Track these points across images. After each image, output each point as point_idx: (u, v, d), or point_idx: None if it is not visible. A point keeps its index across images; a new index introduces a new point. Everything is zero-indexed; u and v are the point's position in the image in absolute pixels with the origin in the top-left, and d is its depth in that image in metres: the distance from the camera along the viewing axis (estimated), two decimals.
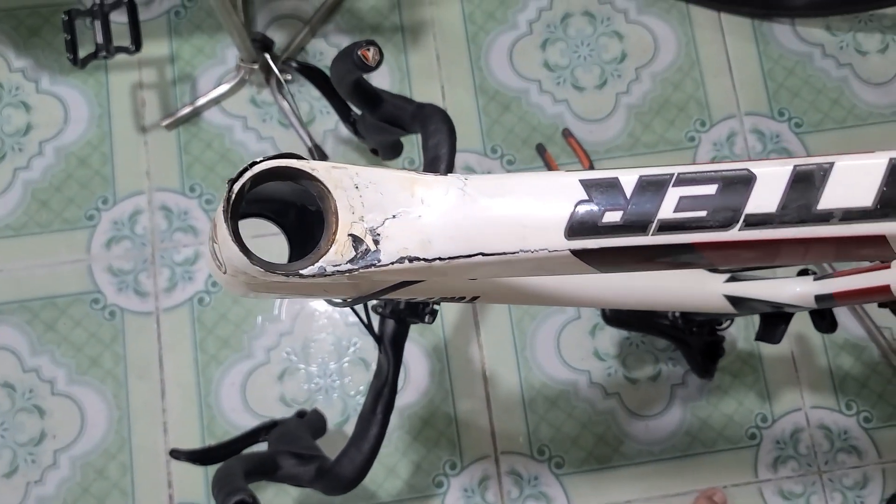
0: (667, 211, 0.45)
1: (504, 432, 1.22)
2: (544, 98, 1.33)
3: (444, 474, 1.20)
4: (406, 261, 0.47)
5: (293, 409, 1.21)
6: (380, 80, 1.32)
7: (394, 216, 0.48)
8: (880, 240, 0.44)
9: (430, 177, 0.49)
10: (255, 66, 1.26)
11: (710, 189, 0.45)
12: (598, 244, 0.46)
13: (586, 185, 0.47)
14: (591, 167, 1.29)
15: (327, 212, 0.48)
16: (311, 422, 1.07)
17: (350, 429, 1.20)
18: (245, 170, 0.46)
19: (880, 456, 1.22)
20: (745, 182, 0.44)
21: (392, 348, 0.90)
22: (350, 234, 0.47)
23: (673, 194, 0.45)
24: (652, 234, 0.45)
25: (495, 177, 0.49)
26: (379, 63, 0.86)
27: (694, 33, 1.36)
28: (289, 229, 0.57)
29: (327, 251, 0.47)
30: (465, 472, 1.21)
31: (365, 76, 0.97)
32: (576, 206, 0.46)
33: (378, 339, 0.90)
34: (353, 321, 1.24)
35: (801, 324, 1.22)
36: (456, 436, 1.21)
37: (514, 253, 0.47)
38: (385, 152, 1.11)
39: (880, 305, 0.89)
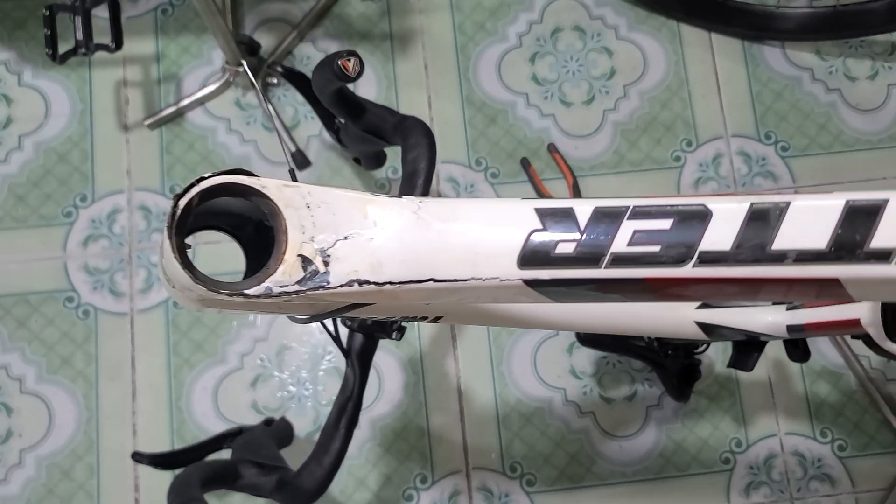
0: (620, 244, 0.44)
1: (477, 447, 1.21)
2: (531, 112, 1.32)
3: (414, 488, 1.19)
4: (356, 284, 0.46)
5: (265, 417, 1.20)
6: (366, 87, 1.31)
7: (345, 237, 0.47)
8: (834, 283, 0.43)
9: (385, 198, 0.48)
10: (241, 69, 1.25)
11: (665, 224, 0.44)
12: (550, 275, 0.45)
13: (541, 213, 0.46)
14: (576, 184, 1.28)
15: (278, 231, 0.47)
16: (278, 430, 1.07)
17: None
18: (192, 185, 0.45)
19: (854, 485, 1.22)
20: (701, 218, 0.44)
21: (359, 362, 0.89)
22: (299, 255, 0.46)
23: (627, 227, 0.44)
24: (604, 268, 0.44)
25: (450, 201, 0.48)
26: (359, 74, 0.85)
27: (684, 52, 1.35)
28: (246, 243, 0.56)
29: (275, 271, 0.46)
30: (436, 486, 1.19)
31: (348, 85, 0.96)
32: (529, 234, 0.45)
33: (346, 352, 0.89)
34: None
35: (779, 349, 1.21)
36: (428, 449, 1.20)
37: (465, 280, 0.47)
38: (368, 162, 1.10)
39: (853, 337, 0.89)
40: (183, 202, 0.45)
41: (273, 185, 0.46)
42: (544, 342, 1.24)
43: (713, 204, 0.44)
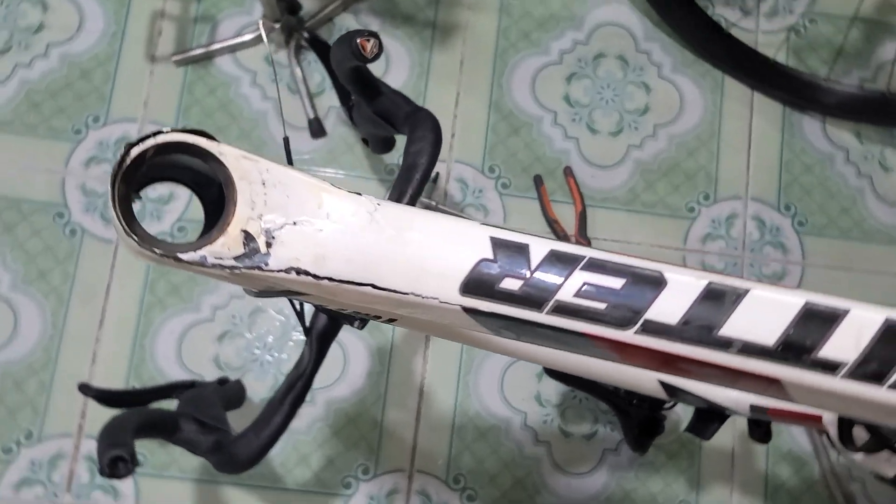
0: (567, 293, 0.42)
1: (425, 451, 1.19)
2: (556, 131, 1.30)
3: (354, 476, 1.18)
4: (294, 272, 0.45)
5: (225, 373, 1.20)
6: (398, 70, 1.30)
7: (294, 223, 0.46)
8: (775, 382, 0.41)
9: (343, 192, 0.46)
10: (277, 27, 1.24)
11: (617, 283, 0.42)
12: (490, 308, 0.44)
13: (496, 243, 0.44)
14: (583, 212, 1.26)
15: (228, 201, 0.45)
16: (230, 392, 1.05)
17: None
18: (148, 136, 0.44)
19: None
20: (655, 285, 0.42)
21: (318, 343, 0.88)
22: (243, 230, 0.45)
23: (578, 277, 0.42)
24: (546, 313, 0.43)
25: (408, 210, 0.47)
26: (376, 56, 0.83)
27: (723, 104, 1.32)
28: (207, 202, 0.54)
29: (215, 241, 0.44)
30: (376, 480, 1.18)
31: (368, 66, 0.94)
32: (478, 262, 0.44)
33: (307, 330, 0.88)
34: None
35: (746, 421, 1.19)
36: (377, 442, 1.19)
37: (405, 294, 0.45)
38: (375, 145, 1.09)
39: (818, 432, 0.86)
40: (135, 152, 0.44)
41: (231, 154, 0.45)
42: (516, 362, 1.22)
43: (670, 273, 0.42)
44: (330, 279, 0.45)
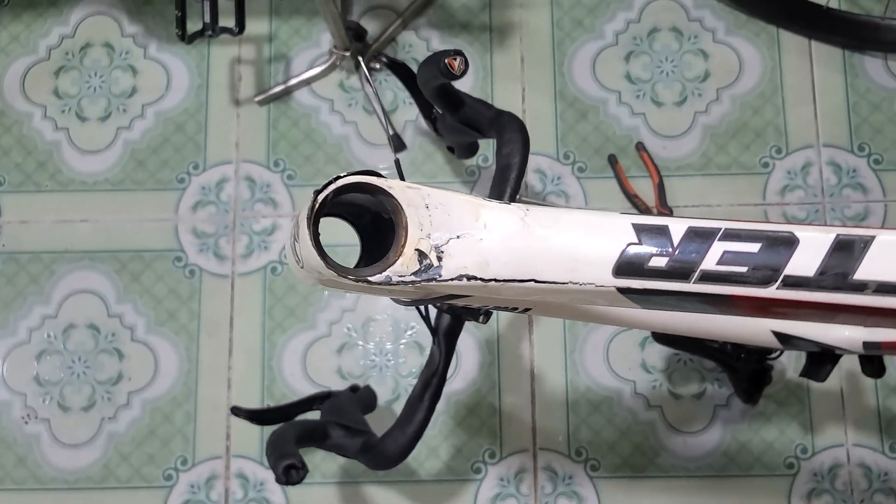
0: (710, 262, 0.48)
1: (544, 430, 1.26)
2: (622, 110, 1.35)
3: (482, 461, 1.26)
4: (464, 279, 0.52)
5: (348, 382, 1.29)
6: (464, 78, 1.36)
7: (458, 237, 0.53)
8: None
9: (495, 203, 0.53)
10: (347, 54, 1.32)
11: (754, 247, 0.48)
12: (642, 285, 0.50)
13: (638, 228, 0.50)
14: (661, 183, 1.31)
15: (398, 226, 0.53)
16: (362, 397, 1.14)
17: (399, 407, 1.26)
18: (330, 182, 0.52)
19: None
20: (788, 244, 0.48)
21: (445, 341, 0.95)
22: (417, 249, 0.52)
23: (718, 248, 0.48)
24: (693, 283, 0.49)
25: (554, 210, 0.53)
26: (464, 73, 0.90)
27: (781, 58, 1.35)
28: (363, 232, 0.62)
29: (395, 262, 0.52)
30: (503, 462, 1.26)
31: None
32: (626, 247, 0.50)
33: (433, 331, 0.95)
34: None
35: (853, 361, 1.22)
36: (498, 427, 1.27)
37: (563, 283, 0.52)
38: (461, 152, 1.16)
39: None
40: (321, 197, 0.51)
41: (398, 186, 0.52)
42: (617, 335, 1.28)
43: (800, 232, 0.48)
44: (495, 280, 0.52)
